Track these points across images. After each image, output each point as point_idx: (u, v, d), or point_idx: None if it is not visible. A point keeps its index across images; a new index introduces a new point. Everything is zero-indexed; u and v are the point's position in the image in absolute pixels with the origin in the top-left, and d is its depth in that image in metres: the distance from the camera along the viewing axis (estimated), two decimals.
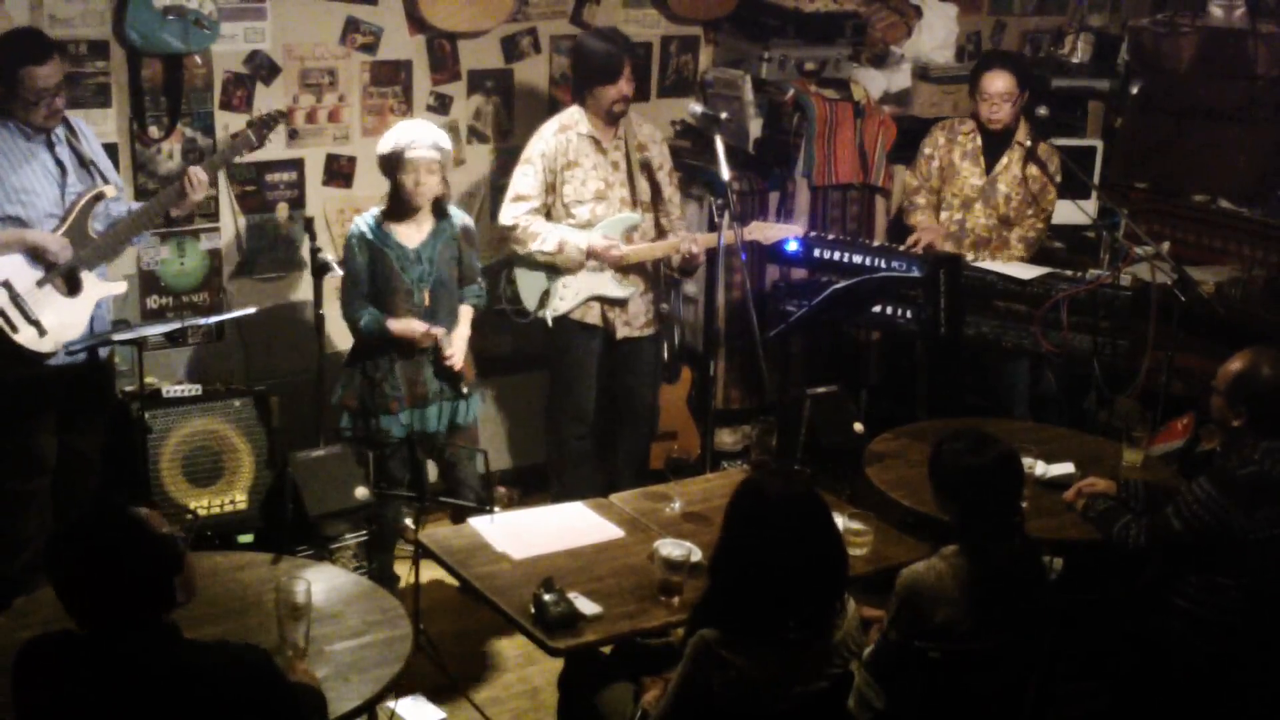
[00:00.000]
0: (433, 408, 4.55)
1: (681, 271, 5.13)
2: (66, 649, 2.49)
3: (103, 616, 2.47)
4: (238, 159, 4.65)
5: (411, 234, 4.47)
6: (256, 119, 4.55)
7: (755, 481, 3.06)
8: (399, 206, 4.46)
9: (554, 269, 4.88)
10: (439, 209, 4.52)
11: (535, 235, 4.80)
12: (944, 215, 5.41)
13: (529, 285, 4.94)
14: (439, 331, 4.47)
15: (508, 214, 4.85)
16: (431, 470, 4.66)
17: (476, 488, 4.56)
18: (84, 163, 4.29)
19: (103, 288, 4.31)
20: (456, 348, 4.53)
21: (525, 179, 4.84)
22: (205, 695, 2.46)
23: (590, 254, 4.82)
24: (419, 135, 4.38)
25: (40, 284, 4.14)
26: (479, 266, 4.68)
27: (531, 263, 4.89)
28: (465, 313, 4.62)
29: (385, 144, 4.43)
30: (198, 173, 4.32)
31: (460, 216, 4.59)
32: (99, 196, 4.26)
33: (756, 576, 2.89)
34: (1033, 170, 5.28)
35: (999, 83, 5.19)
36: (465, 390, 4.59)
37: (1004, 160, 5.31)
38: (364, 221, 4.47)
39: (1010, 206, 5.31)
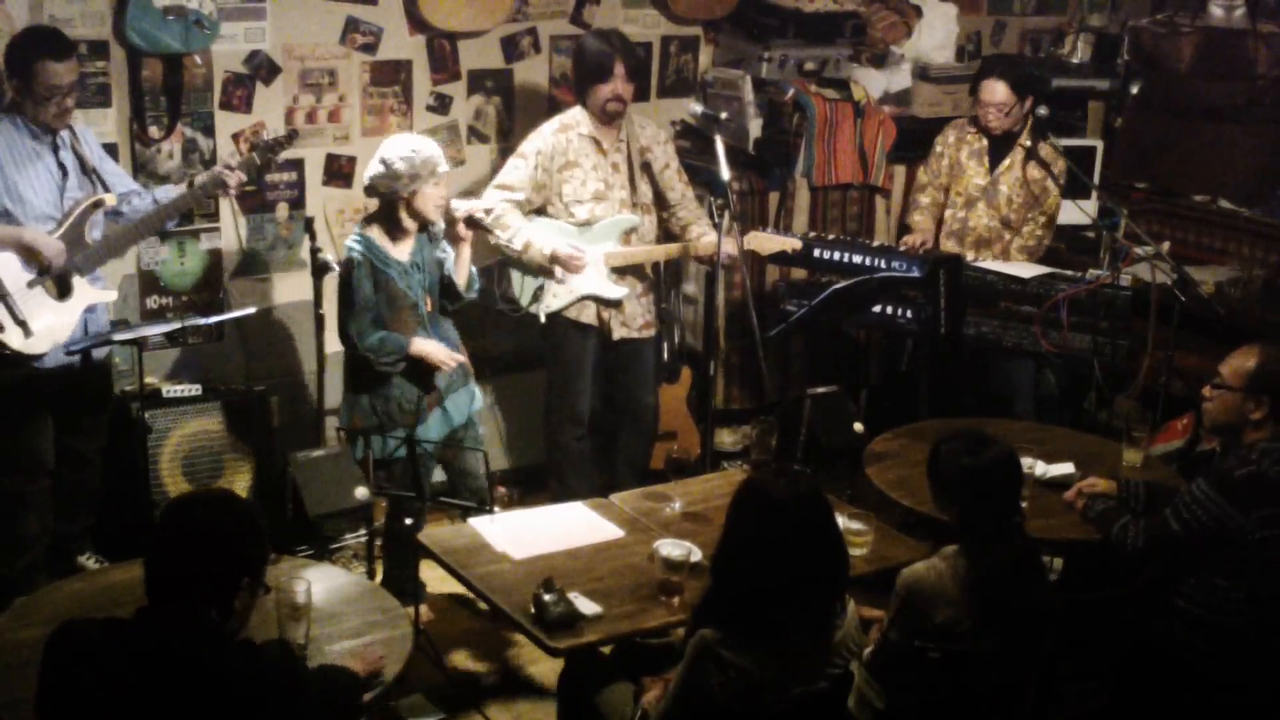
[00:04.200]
0: (450, 400, 4.47)
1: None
2: (106, 631, 2.52)
3: (178, 584, 2.52)
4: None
5: (402, 247, 4.34)
6: (263, 142, 4.53)
7: (761, 481, 3.04)
8: (395, 223, 4.30)
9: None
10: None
11: (506, 227, 4.78)
12: (948, 213, 5.43)
13: (523, 280, 4.93)
14: (459, 358, 4.41)
15: (487, 197, 4.82)
16: (437, 473, 4.62)
17: (481, 482, 4.44)
18: (86, 169, 4.29)
19: (93, 294, 4.30)
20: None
21: (515, 171, 4.83)
22: (226, 696, 2.48)
23: (554, 260, 4.78)
24: (435, 148, 4.27)
25: (31, 285, 4.13)
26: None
27: None
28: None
29: (399, 158, 4.21)
30: (236, 175, 4.36)
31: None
32: (98, 204, 4.26)
33: (759, 576, 2.88)
34: (1034, 173, 5.29)
35: (994, 92, 5.22)
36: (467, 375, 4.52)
37: (1007, 161, 5.32)
38: (357, 246, 4.27)
39: (1011, 208, 5.32)
